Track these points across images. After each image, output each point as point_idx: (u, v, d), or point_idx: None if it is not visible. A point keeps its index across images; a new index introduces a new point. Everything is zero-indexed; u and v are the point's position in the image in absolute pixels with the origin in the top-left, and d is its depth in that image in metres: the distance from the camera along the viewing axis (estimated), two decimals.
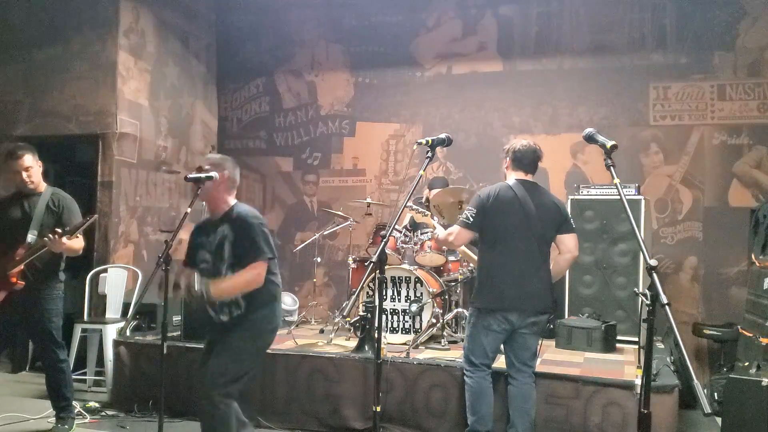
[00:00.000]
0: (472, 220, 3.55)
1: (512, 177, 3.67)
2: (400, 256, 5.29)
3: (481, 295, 3.60)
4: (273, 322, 3.32)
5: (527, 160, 3.66)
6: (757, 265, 4.83)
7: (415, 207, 4.39)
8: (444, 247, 5.06)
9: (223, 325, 3.25)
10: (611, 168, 2.54)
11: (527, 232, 3.52)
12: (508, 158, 3.71)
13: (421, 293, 4.99)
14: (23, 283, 3.94)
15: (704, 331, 5.48)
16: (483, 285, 3.60)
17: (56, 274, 4.14)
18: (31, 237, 3.96)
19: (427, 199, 5.82)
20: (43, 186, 4.15)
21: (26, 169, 4.03)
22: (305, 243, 6.43)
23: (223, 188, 3.31)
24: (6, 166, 4.11)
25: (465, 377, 3.65)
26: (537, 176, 3.76)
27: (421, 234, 5.26)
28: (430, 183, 5.79)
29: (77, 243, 4.00)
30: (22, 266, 3.92)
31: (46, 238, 3.82)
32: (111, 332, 5.12)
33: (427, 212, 4.27)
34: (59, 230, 3.82)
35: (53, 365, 4.12)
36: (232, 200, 3.36)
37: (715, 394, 4.73)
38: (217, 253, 3.25)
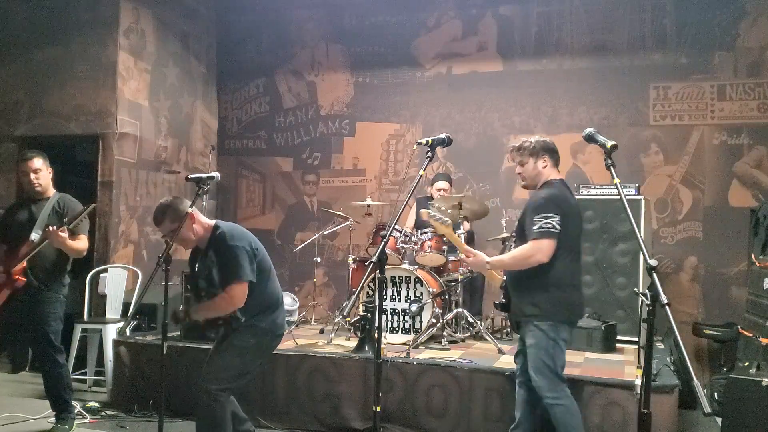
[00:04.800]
0: (559, 227, 3.15)
1: (556, 176, 3.35)
2: (400, 256, 5.29)
3: (561, 307, 3.23)
4: (274, 329, 3.39)
5: (558, 156, 3.43)
6: (757, 265, 4.83)
7: (438, 216, 3.95)
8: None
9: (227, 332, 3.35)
10: (611, 168, 2.54)
11: (581, 238, 3.36)
12: (545, 156, 3.33)
13: (421, 293, 4.99)
14: (24, 279, 3.96)
15: (704, 331, 5.48)
16: (562, 296, 3.24)
17: (61, 277, 4.15)
18: (34, 236, 3.98)
19: (431, 197, 5.83)
20: (51, 191, 4.21)
21: (35, 171, 4.10)
22: (305, 243, 6.43)
23: (192, 223, 3.29)
24: (16, 168, 4.19)
25: (556, 401, 3.18)
26: None
27: (421, 234, 5.27)
28: (434, 178, 5.82)
29: (79, 243, 4.02)
30: (24, 263, 3.94)
31: (46, 230, 3.86)
32: (111, 332, 5.12)
33: (448, 221, 3.87)
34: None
35: (51, 369, 4.11)
36: (210, 223, 3.36)
37: (715, 394, 4.73)
38: (209, 279, 3.31)
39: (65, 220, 3.93)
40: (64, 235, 3.86)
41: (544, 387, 3.20)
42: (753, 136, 5.85)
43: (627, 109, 6.22)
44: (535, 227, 3.17)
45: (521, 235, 3.36)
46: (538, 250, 3.15)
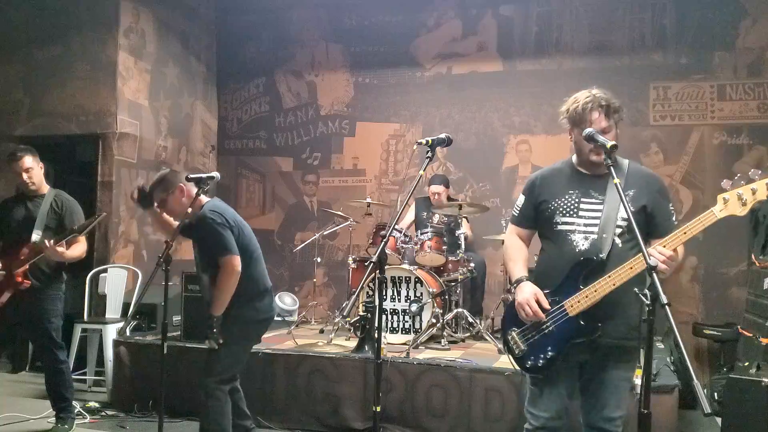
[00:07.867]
0: None
1: None
2: (400, 256, 5.29)
3: None
4: (260, 313, 3.44)
5: None
6: (757, 265, 4.83)
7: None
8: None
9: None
10: (611, 168, 2.53)
11: None
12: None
13: (421, 293, 4.99)
14: (29, 282, 3.96)
15: (704, 331, 5.48)
16: None
17: (59, 275, 4.16)
18: (35, 236, 3.98)
19: (428, 198, 5.84)
20: (45, 188, 4.19)
21: (27, 171, 4.07)
22: (305, 243, 6.43)
23: (181, 197, 3.35)
24: (8, 168, 4.17)
25: None
26: None
27: (421, 234, 5.27)
28: (430, 180, 5.82)
29: (77, 250, 4.02)
30: (26, 266, 3.94)
31: (42, 244, 3.84)
32: (111, 332, 5.12)
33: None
34: (58, 237, 3.87)
35: (52, 366, 4.12)
36: (202, 200, 3.38)
37: (715, 394, 4.72)
38: (195, 256, 3.41)
39: (76, 228, 3.91)
40: (62, 249, 3.85)
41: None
42: (753, 136, 5.85)
43: (627, 109, 6.10)
44: (672, 218, 2.61)
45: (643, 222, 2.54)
46: None
